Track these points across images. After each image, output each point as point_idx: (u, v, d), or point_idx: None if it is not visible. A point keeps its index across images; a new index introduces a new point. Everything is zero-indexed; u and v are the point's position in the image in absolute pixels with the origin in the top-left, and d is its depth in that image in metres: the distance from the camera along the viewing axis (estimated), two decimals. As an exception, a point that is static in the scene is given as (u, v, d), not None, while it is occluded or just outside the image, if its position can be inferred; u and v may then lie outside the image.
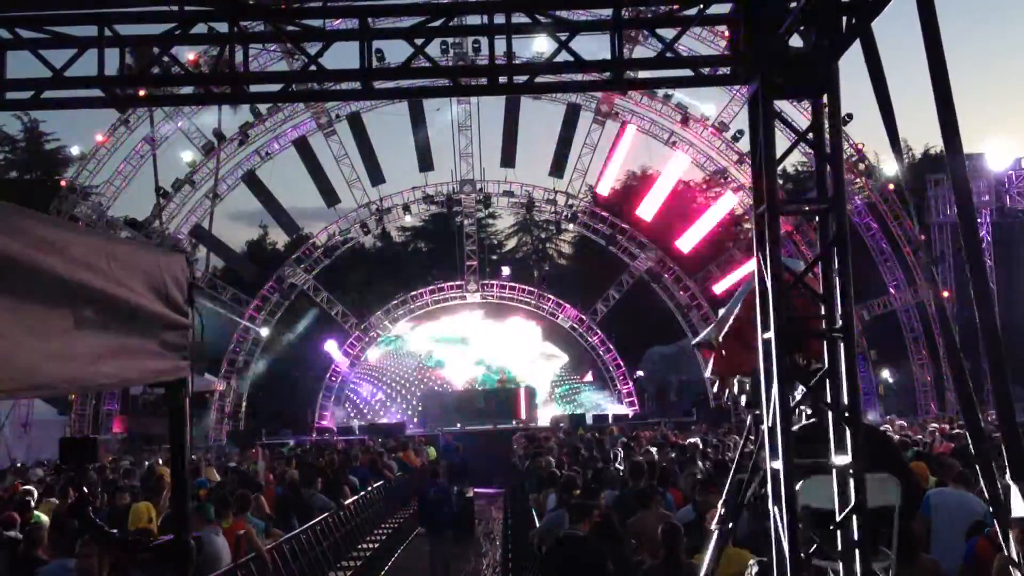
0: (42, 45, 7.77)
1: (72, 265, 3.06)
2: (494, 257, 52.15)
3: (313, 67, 8.03)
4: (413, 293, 41.01)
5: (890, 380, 38.52)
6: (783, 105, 17.76)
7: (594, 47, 8.48)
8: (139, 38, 8.08)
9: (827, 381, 6.37)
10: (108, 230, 32.31)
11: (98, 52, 7.69)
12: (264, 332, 37.59)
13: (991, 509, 6.05)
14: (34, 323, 2.83)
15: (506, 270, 45.99)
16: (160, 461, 20.18)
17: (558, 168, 36.86)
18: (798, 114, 21.01)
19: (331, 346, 39.31)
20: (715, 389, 8.98)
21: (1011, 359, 5.97)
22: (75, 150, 35.05)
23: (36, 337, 2.83)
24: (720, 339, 8.01)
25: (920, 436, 17.59)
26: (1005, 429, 5.64)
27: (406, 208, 38.59)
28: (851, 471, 6.09)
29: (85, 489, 4.13)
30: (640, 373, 41.99)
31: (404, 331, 41.47)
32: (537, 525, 10.69)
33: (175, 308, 3.73)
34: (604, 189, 37.83)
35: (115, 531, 4.73)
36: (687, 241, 37.24)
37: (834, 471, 6.19)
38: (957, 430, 16.49)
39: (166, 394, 3.90)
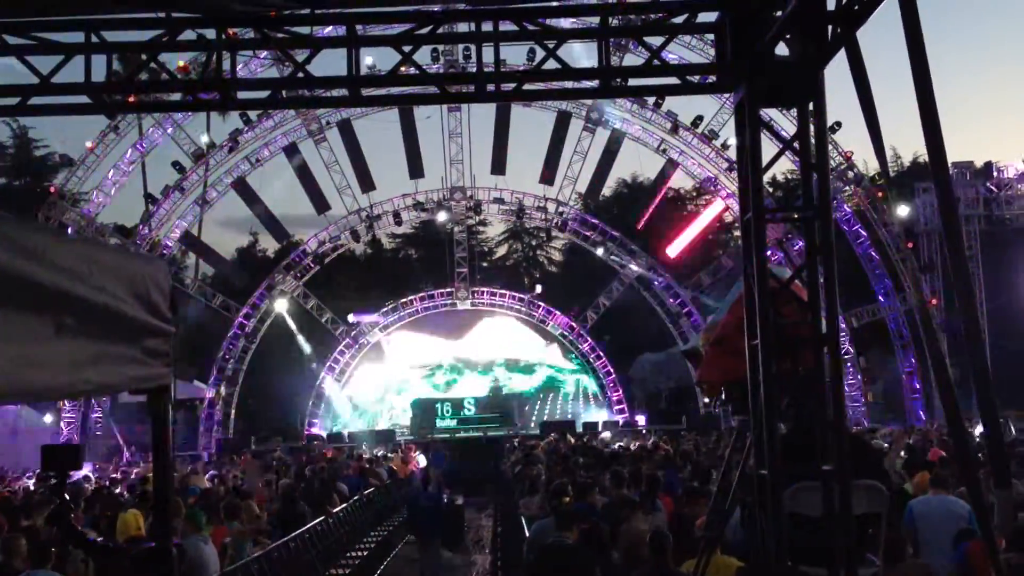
0: (28, 51, 7.75)
1: (53, 271, 3.03)
2: (485, 264, 52.06)
3: (301, 74, 8.04)
4: (403, 300, 40.91)
5: (879, 386, 38.60)
6: (772, 113, 17.73)
7: (587, 56, 8.51)
8: (126, 45, 8.07)
9: (813, 388, 6.39)
10: (97, 236, 32.16)
11: (85, 58, 7.68)
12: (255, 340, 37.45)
13: (976, 514, 6.07)
14: (14, 329, 2.81)
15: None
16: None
17: (549, 176, 36.86)
18: (788, 122, 20.93)
19: (319, 351, 39.21)
20: (705, 398, 9.00)
21: (998, 368, 6.00)
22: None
23: (16, 343, 2.82)
24: (708, 346, 8.00)
25: (908, 441, 17.61)
26: (989, 437, 5.66)
27: (396, 216, 38.49)
28: (836, 478, 6.11)
29: (67, 496, 4.08)
30: (630, 380, 41.94)
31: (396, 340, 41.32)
32: (527, 533, 10.66)
33: (158, 315, 3.71)
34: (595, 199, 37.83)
35: (100, 539, 4.69)
36: (676, 248, 37.30)
37: (820, 478, 6.20)
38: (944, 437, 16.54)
39: (148, 401, 3.87)
